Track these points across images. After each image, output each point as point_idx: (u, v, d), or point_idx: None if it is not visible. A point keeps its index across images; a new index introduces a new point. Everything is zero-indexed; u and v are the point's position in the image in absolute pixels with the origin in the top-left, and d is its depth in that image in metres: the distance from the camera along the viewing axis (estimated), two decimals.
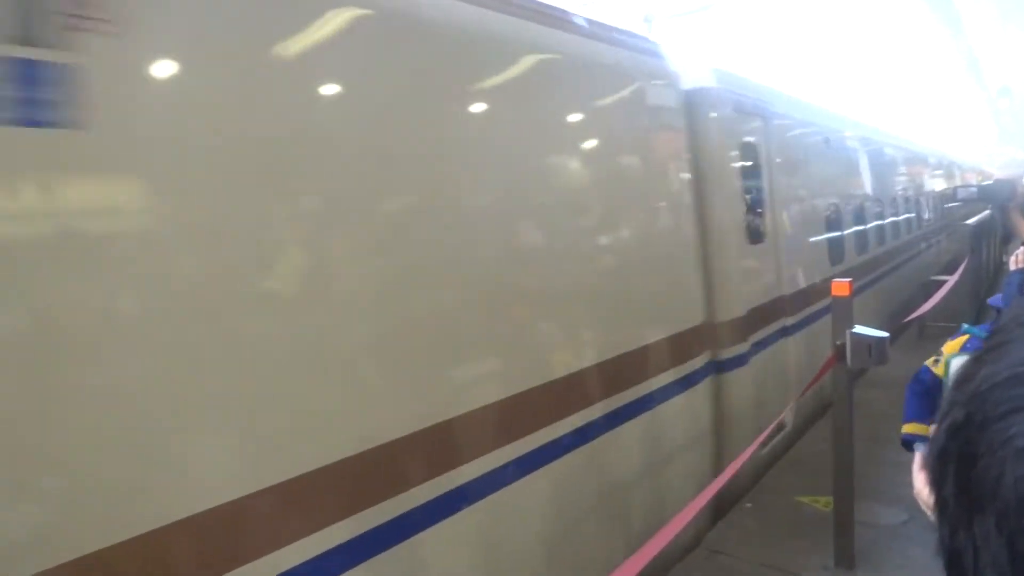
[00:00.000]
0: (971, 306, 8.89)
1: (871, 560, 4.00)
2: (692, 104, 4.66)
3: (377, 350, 2.44)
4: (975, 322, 3.81)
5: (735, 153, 5.11)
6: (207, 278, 1.97)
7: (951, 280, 8.78)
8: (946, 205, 15.87)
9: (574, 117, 3.65)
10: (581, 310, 3.51)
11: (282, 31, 2.21)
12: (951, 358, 2.87)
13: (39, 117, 1.64)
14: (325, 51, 2.33)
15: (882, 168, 9.88)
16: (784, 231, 5.80)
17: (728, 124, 5.02)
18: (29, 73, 1.63)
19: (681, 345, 4.23)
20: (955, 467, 0.50)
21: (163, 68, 1.94)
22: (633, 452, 3.78)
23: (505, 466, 2.85)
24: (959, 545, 0.49)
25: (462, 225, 2.83)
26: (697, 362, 4.40)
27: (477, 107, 3.03)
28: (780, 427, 4.71)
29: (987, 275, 11.13)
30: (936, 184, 15.56)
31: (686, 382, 4.24)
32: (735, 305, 4.84)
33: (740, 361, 4.86)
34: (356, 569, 2.23)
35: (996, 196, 13.57)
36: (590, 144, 3.76)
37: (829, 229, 7.02)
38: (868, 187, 9.05)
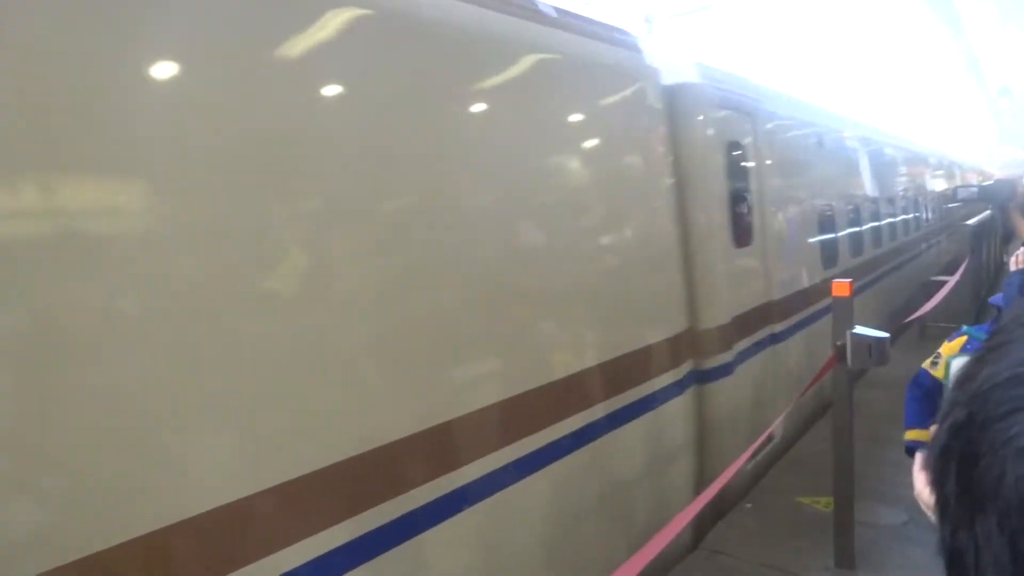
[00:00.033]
0: (972, 306, 8.89)
1: (871, 560, 4.00)
2: (674, 101, 4.41)
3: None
4: (975, 322, 3.82)
5: (720, 153, 4.87)
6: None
7: (951, 281, 8.78)
8: (946, 205, 15.85)
9: (535, 113, 3.32)
10: (548, 320, 3.26)
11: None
12: (951, 359, 2.88)
13: None
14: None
15: (879, 168, 9.76)
16: (773, 234, 5.57)
17: (713, 122, 4.77)
18: None
19: (660, 354, 4.00)
20: (957, 466, 0.50)
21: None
22: (607, 470, 3.53)
23: (448, 496, 2.58)
24: (960, 544, 0.49)
25: (391, 227, 2.53)
26: (678, 372, 4.15)
27: (410, 101, 2.65)
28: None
29: (987, 275, 11.12)
30: (936, 184, 15.55)
31: (666, 394, 3.99)
32: (719, 311, 4.60)
33: (725, 370, 4.61)
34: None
35: (996, 196, 13.57)
36: (555, 143, 3.45)
37: (822, 231, 6.83)
38: (864, 188, 8.90)
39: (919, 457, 2.57)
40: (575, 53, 3.63)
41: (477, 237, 2.87)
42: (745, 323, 4.98)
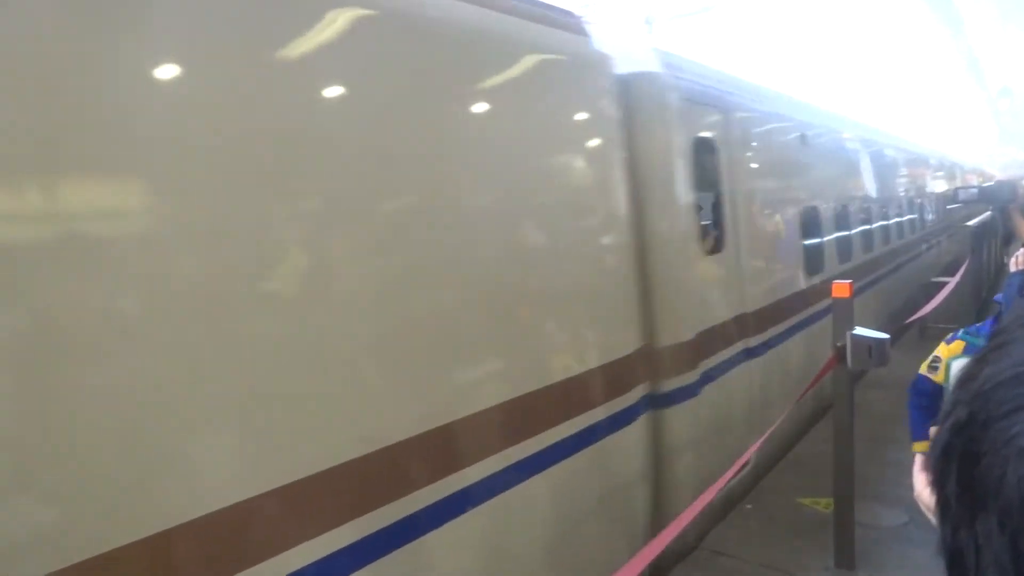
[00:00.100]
0: (972, 307, 8.89)
1: (872, 561, 4.00)
2: (629, 92, 3.89)
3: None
4: (976, 321, 3.81)
5: (686, 150, 4.34)
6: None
7: (952, 282, 8.78)
8: (947, 207, 15.85)
9: (438, 102, 2.76)
10: (461, 345, 2.75)
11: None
12: (951, 361, 2.88)
13: None
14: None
15: (871, 168, 9.44)
16: (748, 239, 5.08)
17: (677, 117, 4.25)
18: None
19: (602, 380, 3.44)
20: (958, 466, 0.50)
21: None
22: (531, 518, 3.03)
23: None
24: (961, 544, 0.49)
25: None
26: (627, 398, 3.60)
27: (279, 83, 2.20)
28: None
29: (988, 276, 11.13)
30: (936, 186, 15.54)
31: (610, 424, 3.44)
32: (682, 326, 4.10)
33: (687, 393, 4.09)
34: None
35: (997, 197, 13.59)
36: (467, 137, 2.89)
37: (807, 236, 6.34)
38: (855, 189, 8.53)
39: (919, 458, 2.57)
40: (497, 33, 3.10)
41: (348, 242, 2.38)
42: (714, 338, 4.51)
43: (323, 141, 2.30)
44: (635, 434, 3.69)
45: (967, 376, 0.53)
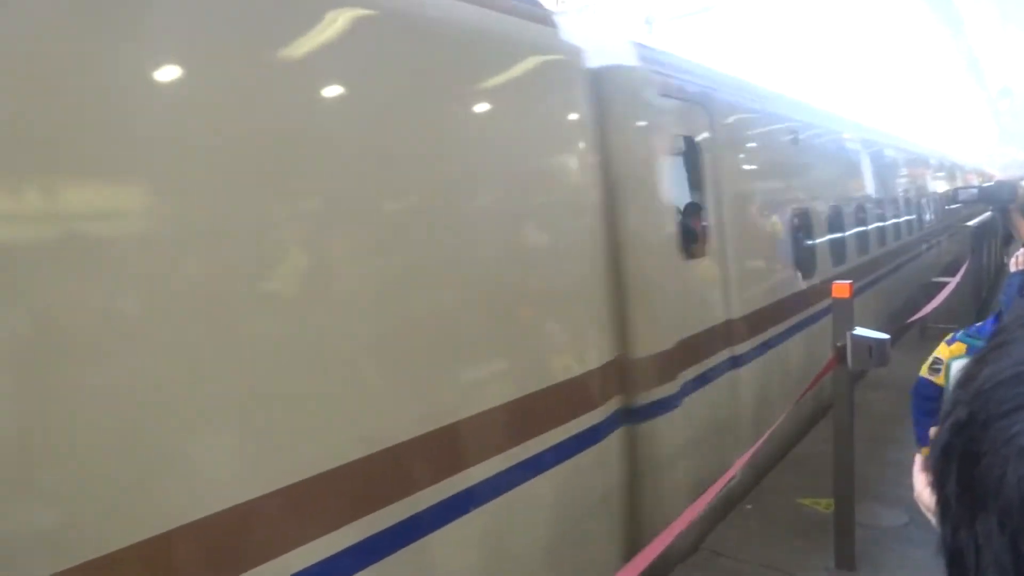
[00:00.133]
0: (972, 307, 8.89)
1: (872, 562, 3.99)
2: (601, 87, 3.66)
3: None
4: (976, 320, 3.81)
5: (665, 149, 4.12)
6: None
7: (952, 282, 8.78)
8: (947, 207, 15.84)
9: (384, 95, 2.54)
10: (408, 360, 2.50)
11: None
12: (951, 362, 2.88)
13: None
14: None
15: (871, 169, 9.35)
16: (734, 243, 4.87)
17: (655, 114, 4.02)
18: None
19: (567, 396, 3.17)
20: (958, 465, 0.50)
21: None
22: (488, 544, 2.81)
23: None
24: (961, 544, 0.49)
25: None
26: (596, 414, 3.35)
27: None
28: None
29: (988, 277, 11.13)
30: (936, 186, 15.54)
31: (576, 443, 3.19)
32: (660, 335, 3.85)
33: (665, 405, 3.84)
34: None
35: (997, 198, 13.57)
36: (418, 135, 2.64)
37: (798, 239, 6.16)
38: (851, 190, 8.38)
39: (919, 458, 2.57)
40: (452, 22, 2.87)
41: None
42: (696, 346, 4.30)
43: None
44: (606, 451, 3.44)
45: (967, 376, 0.53)
